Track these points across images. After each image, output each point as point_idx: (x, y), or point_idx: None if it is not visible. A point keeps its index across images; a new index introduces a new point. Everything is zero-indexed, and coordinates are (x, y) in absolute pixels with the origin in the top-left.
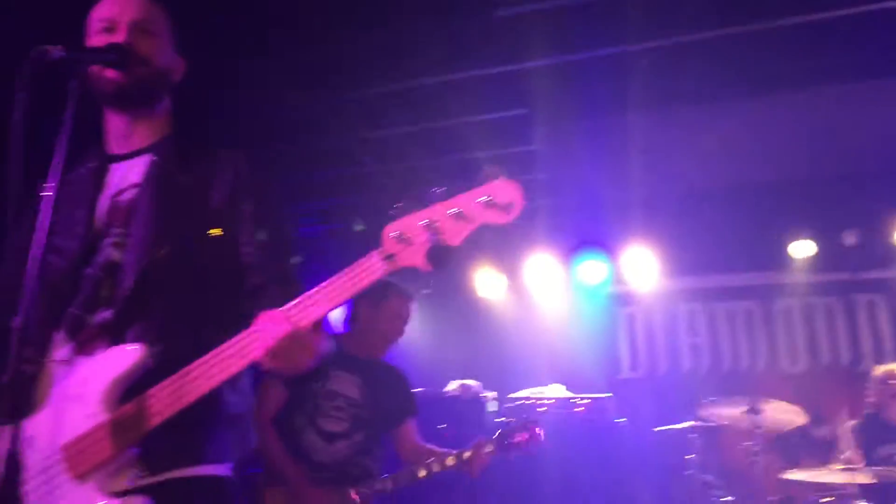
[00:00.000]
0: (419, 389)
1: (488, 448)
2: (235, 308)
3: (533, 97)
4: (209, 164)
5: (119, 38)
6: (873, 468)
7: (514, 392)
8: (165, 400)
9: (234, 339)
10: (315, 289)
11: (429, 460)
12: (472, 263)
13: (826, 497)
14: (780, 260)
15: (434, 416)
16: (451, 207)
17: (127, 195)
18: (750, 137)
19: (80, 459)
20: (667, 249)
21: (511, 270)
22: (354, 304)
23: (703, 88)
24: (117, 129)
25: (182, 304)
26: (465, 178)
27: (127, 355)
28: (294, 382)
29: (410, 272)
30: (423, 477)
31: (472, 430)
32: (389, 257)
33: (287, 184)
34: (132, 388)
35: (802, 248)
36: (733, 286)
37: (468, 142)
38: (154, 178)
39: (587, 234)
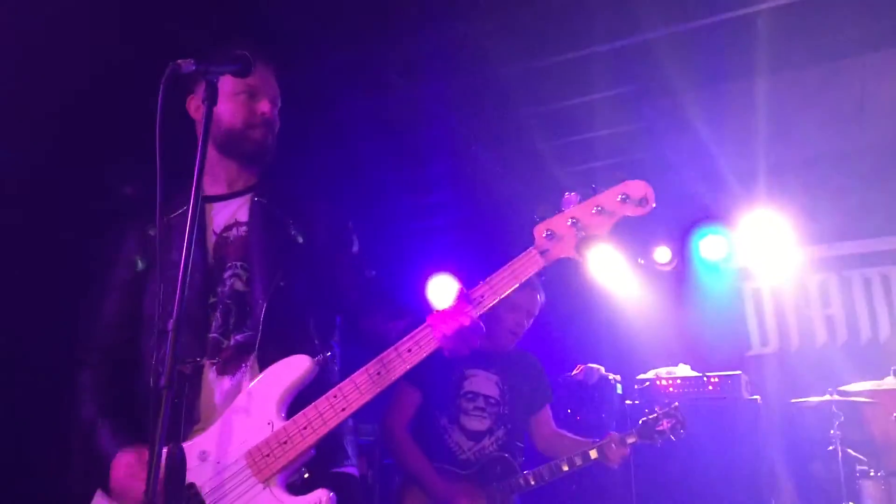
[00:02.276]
0: None
1: (631, 439)
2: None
3: (650, 69)
4: (302, 207)
5: (264, 107)
6: None
7: (638, 374)
8: (350, 396)
9: (408, 336)
10: (480, 283)
11: (572, 454)
12: (588, 248)
13: None
14: None
15: (561, 401)
16: (592, 206)
17: (235, 232)
18: (879, 95)
19: (266, 463)
20: (794, 218)
21: (630, 250)
22: None
23: (828, 46)
24: (224, 173)
25: (309, 323)
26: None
27: (296, 366)
28: (432, 386)
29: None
30: (566, 471)
31: (601, 413)
32: (545, 252)
33: (399, 179)
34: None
35: None
36: (868, 252)
37: (586, 120)
38: (259, 216)
39: (708, 207)
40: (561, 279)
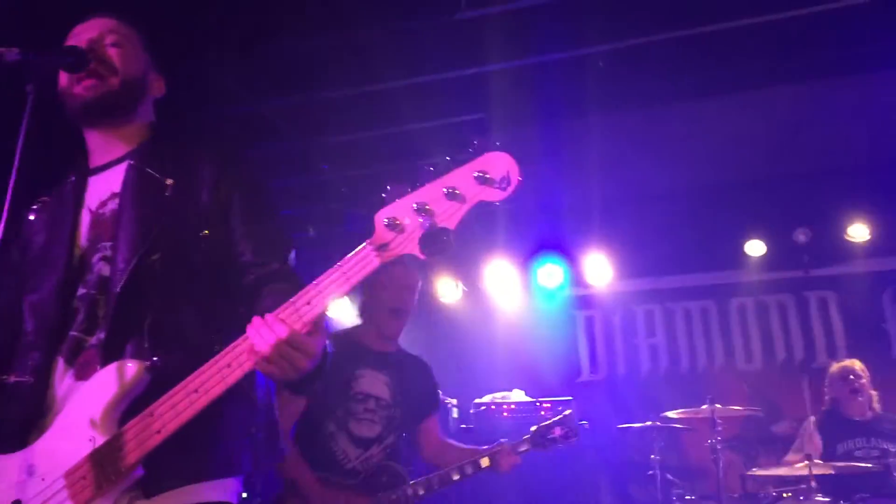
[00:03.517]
0: None
1: (523, 447)
2: (234, 311)
3: (490, 101)
4: (189, 162)
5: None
6: (832, 462)
7: (475, 398)
8: (165, 416)
9: (228, 348)
10: (307, 287)
11: (462, 462)
12: (429, 269)
13: (786, 492)
14: (734, 259)
15: None
16: (443, 186)
17: (109, 206)
18: (704, 139)
19: (82, 486)
20: (624, 251)
21: (469, 276)
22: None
23: (659, 90)
24: (95, 143)
25: (176, 313)
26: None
27: (123, 372)
28: (320, 387)
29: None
30: (457, 480)
31: None
32: (382, 247)
33: None
34: (134, 405)
35: (756, 247)
36: (689, 286)
37: (425, 147)
38: (133, 183)
39: (545, 238)
40: None
